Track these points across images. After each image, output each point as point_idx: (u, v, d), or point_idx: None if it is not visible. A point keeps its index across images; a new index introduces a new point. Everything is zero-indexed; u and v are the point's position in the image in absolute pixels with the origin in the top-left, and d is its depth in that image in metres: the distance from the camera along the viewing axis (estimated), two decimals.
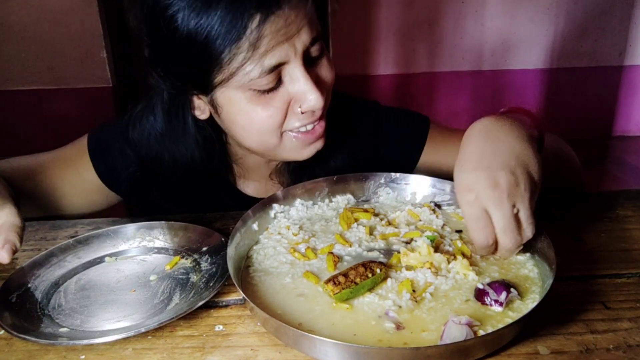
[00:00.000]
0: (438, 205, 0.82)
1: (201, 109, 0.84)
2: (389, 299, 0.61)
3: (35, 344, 0.59)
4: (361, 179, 0.86)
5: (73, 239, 0.79)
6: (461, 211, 0.63)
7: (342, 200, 0.85)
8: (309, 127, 0.82)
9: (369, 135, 1.01)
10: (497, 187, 0.58)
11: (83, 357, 0.58)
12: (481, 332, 0.55)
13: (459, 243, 0.70)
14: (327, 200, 0.85)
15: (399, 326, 0.57)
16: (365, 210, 0.80)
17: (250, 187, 1.00)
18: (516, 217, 0.59)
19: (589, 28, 3.78)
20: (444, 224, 0.77)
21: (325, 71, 0.83)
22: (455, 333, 0.54)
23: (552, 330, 0.59)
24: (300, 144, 0.83)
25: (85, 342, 0.58)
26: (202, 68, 0.75)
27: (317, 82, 0.80)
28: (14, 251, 0.63)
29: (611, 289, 0.66)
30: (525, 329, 0.57)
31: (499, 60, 3.86)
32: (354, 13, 3.67)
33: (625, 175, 3.58)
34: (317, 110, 0.81)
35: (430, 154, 1.00)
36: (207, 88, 0.78)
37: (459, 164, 0.64)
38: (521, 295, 0.61)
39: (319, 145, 0.85)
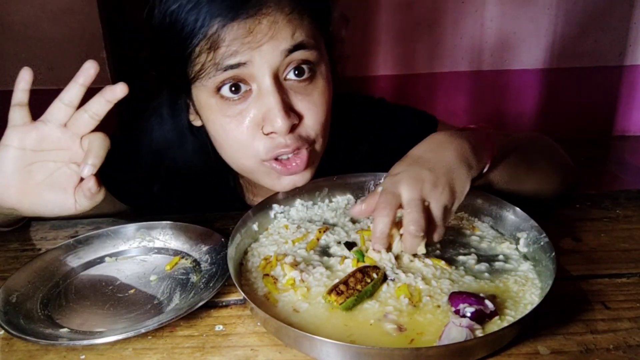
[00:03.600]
0: None
1: (194, 114, 0.83)
2: (390, 305, 0.61)
3: (36, 344, 0.59)
4: (361, 179, 0.86)
5: (73, 239, 0.79)
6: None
7: (342, 200, 0.85)
8: (284, 157, 0.75)
9: (376, 133, 0.98)
10: (418, 179, 0.64)
11: (83, 357, 0.58)
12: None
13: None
14: (327, 201, 0.85)
15: (400, 328, 0.57)
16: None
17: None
18: (427, 210, 0.63)
19: (589, 28, 3.77)
20: None
21: (314, 94, 0.74)
22: (455, 334, 0.54)
23: (552, 330, 0.59)
24: (276, 173, 0.77)
25: (85, 342, 0.58)
26: (175, 62, 0.74)
27: (294, 104, 0.73)
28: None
29: (611, 289, 0.66)
30: (526, 329, 0.57)
31: (498, 60, 3.85)
32: (354, 14, 3.67)
33: (625, 175, 3.58)
34: (289, 139, 0.72)
35: None
36: (184, 85, 0.77)
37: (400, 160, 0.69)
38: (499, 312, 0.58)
39: (297, 180, 0.78)
